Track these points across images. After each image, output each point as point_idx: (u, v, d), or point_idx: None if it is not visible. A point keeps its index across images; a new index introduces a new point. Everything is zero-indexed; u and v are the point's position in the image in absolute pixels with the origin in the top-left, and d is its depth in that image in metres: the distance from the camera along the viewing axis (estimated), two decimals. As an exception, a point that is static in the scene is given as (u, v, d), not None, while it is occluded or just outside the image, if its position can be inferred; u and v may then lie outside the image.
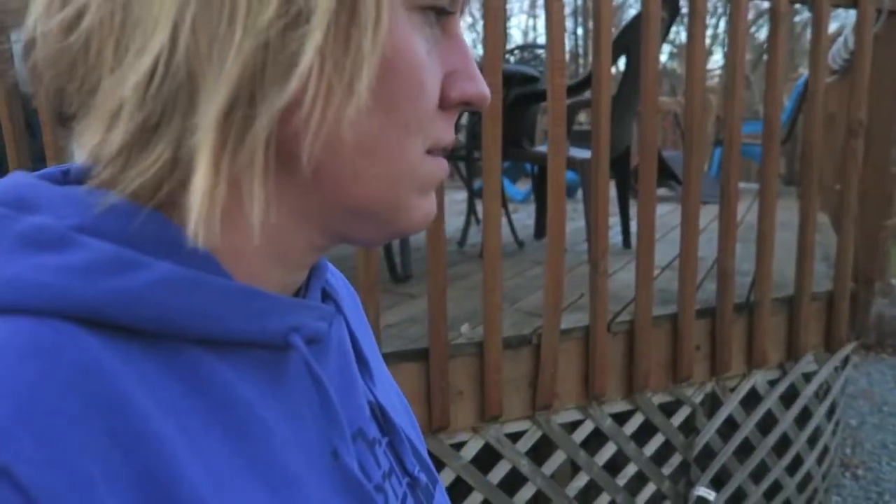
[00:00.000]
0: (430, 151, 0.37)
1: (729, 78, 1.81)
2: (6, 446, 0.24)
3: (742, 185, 3.18)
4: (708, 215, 2.40)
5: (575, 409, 1.76)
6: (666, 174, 4.60)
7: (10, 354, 0.25)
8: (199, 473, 0.29)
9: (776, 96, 1.86)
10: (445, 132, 0.38)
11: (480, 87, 0.38)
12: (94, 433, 0.26)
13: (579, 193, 4.94)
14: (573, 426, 1.78)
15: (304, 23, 0.29)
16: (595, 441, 1.81)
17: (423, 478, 0.47)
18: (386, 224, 0.37)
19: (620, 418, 1.84)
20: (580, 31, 15.96)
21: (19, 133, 1.40)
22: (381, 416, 0.45)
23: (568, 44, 15.87)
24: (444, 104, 0.37)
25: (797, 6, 2.05)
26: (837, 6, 1.91)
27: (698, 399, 1.95)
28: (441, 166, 0.39)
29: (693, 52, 1.72)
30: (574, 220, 3.66)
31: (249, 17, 0.29)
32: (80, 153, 0.32)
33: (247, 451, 0.32)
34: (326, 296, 0.44)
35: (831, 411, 2.28)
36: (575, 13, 15.77)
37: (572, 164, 2.14)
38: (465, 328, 1.68)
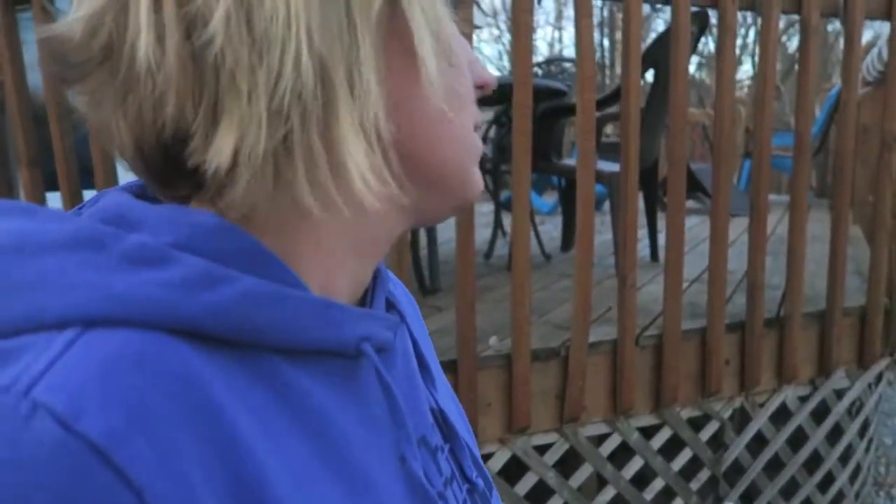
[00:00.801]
0: (475, 128, 0.42)
1: (759, 89, 1.80)
2: (122, 448, 0.26)
3: (772, 197, 3.16)
4: (737, 228, 2.38)
5: (602, 423, 1.76)
6: (694, 186, 4.57)
7: (121, 365, 0.28)
8: (283, 476, 0.31)
9: (807, 108, 1.85)
10: (478, 113, 0.42)
11: (492, 75, 0.43)
12: (195, 439, 0.28)
13: (606, 206, 4.93)
14: (600, 439, 1.78)
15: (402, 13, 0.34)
16: (622, 454, 1.80)
17: (480, 483, 0.48)
18: (455, 193, 0.42)
19: (648, 432, 1.83)
20: (606, 42, 15.91)
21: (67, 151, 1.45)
22: (442, 423, 0.47)
23: (594, 55, 15.80)
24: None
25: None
26: (871, 18, 1.89)
27: (727, 414, 1.93)
28: (480, 143, 0.43)
29: (722, 67, 1.72)
30: (601, 234, 3.65)
31: (362, 10, 0.33)
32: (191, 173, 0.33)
33: (326, 454, 0.34)
34: (390, 305, 0.46)
35: (864, 429, 2.24)
36: (602, 24, 15.74)
37: (600, 176, 2.14)
38: (493, 340, 1.69)
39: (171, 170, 0.34)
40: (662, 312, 1.78)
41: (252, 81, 0.30)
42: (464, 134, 0.40)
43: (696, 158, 6.95)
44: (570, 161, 3.02)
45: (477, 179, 0.42)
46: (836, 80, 6.04)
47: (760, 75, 1.79)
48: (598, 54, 15.94)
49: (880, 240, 2.02)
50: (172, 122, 0.32)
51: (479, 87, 0.43)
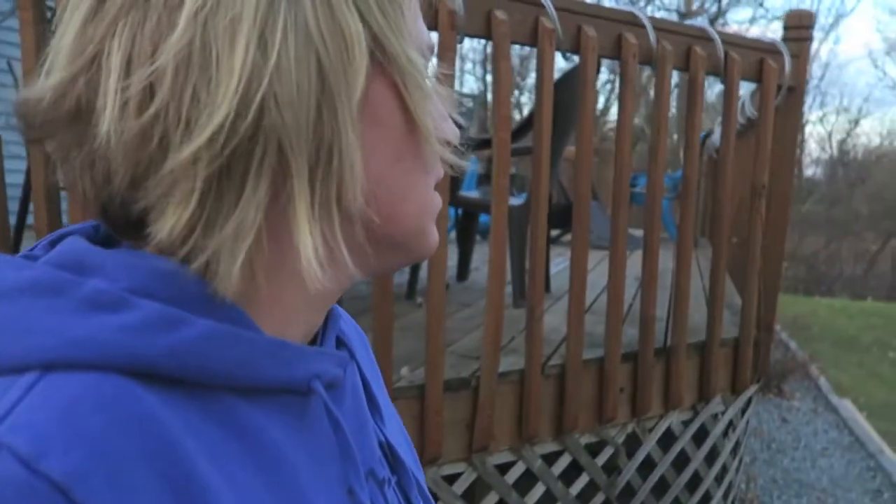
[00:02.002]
0: (435, 186, 0.44)
1: (653, 136, 1.95)
2: (83, 486, 0.27)
3: (636, 231, 3.39)
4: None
5: (508, 451, 1.81)
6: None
7: (81, 407, 0.29)
8: None
9: (693, 157, 2.03)
10: (440, 169, 0.44)
11: (455, 131, 0.44)
12: (151, 476, 0.29)
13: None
14: (506, 467, 1.82)
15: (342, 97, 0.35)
16: (526, 481, 1.86)
17: None
18: (411, 251, 0.43)
19: (549, 459, 1.90)
20: (489, 77, 16.55)
21: None
22: (390, 455, 0.48)
23: (477, 89, 16.36)
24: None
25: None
26: (745, 79, 2.11)
27: (620, 439, 2.04)
28: (440, 198, 0.45)
29: (623, 113, 1.86)
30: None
31: (341, 92, 0.34)
32: (154, 231, 0.33)
33: (278, 488, 0.36)
34: (340, 343, 0.48)
35: (736, 449, 2.44)
36: (485, 61, 16.34)
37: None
38: (405, 371, 1.70)
39: (133, 228, 0.35)
40: (564, 341, 1.86)
41: (197, 158, 0.31)
42: (426, 197, 0.42)
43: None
44: (468, 193, 3.10)
45: (433, 235, 0.44)
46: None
47: (654, 123, 1.95)
48: (480, 87, 16.50)
49: (751, 277, 2.23)
50: (129, 191, 0.33)
51: (447, 142, 0.44)
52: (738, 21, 15.93)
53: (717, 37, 1.98)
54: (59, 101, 0.33)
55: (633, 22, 1.82)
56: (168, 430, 0.31)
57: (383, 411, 0.51)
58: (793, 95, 2.24)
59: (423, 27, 0.41)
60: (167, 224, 0.32)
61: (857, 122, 20.34)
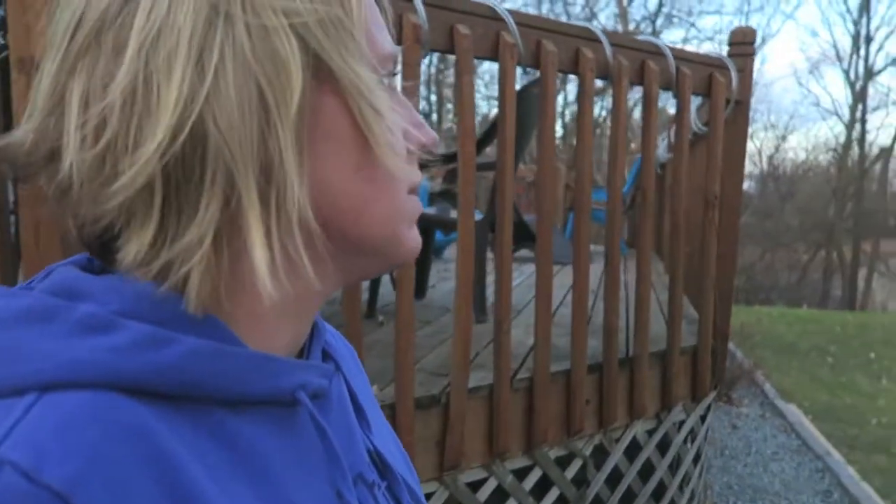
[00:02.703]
0: (411, 191, 0.45)
1: (611, 149, 1.99)
2: (81, 492, 0.29)
3: (592, 247, 3.45)
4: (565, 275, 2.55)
5: (479, 468, 1.78)
6: (528, 237, 4.87)
7: (77, 422, 0.31)
8: None
9: (650, 169, 2.07)
10: (415, 174, 0.45)
11: (432, 134, 0.45)
12: (148, 481, 0.32)
13: (447, 253, 5.08)
14: (477, 485, 1.80)
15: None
16: (497, 498, 1.84)
17: None
18: (387, 256, 0.44)
19: (520, 474, 1.88)
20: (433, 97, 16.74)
21: None
22: (379, 462, 0.50)
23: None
24: (409, 151, 0.44)
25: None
26: (696, 93, 2.18)
27: (588, 451, 2.04)
28: (418, 202, 0.46)
29: (582, 128, 1.88)
30: (447, 280, 3.76)
31: (280, 106, 0.35)
32: (124, 256, 0.36)
33: (267, 495, 0.38)
34: (326, 355, 0.50)
35: (697, 456, 2.48)
36: (428, 81, 16.51)
37: (454, 225, 2.22)
38: (374, 390, 1.66)
39: (110, 255, 0.37)
40: (534, 355, 1.86)
41: (146, 182, 0.34)
42: (395, 203, 0.43)
43: (523, 211, 7.43)
44: (426, 209, 3.09)
45: (410, 240, 0.44)
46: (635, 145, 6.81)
47: (613, 137, 1.98)
48: (424, 105, 16.64)
49: (707, 286, 2.28)
50: (94, 222, 0.36)
51: (421, 149, 0.45)
52: (672, 41, 16.60)
53: (668, 52, 2.03)
54: (38, 143, 0.36)
55: (589, 37, 1.85)
56: (161, 440, 0.33)
57: (372, 421, 0.52)
58: (739, 109, 2.32)
59: (384, 39, 0.42)
60: (132, 248, 0.35)
61: (784, 138, 21.27)
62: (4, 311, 0.35)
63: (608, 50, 1.86)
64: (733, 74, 2.22)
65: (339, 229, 0.40)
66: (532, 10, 16.76)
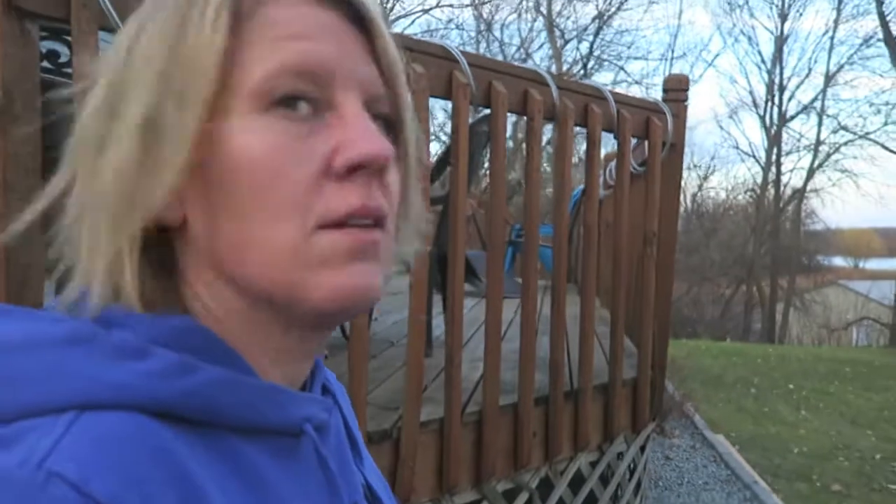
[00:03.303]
0: (326, 226, 0.39)
1: (556, 188, 2.06)
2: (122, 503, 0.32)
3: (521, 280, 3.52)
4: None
5: (429, 503, 1.78)
6: (469, 271, 4.91)
7: (114, 441, 0.33)
8: None
9: (594, 206, 2.15)
10: (337, 203, 0.39)
11: (361, 148, 0.39)
12: (174, 498, 0.34)
13: (395, 284, 5.05)
14: (426, 520, 1.79)
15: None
16: (446, 534, 1.83)
17: None
18: (291, 307, 0.40)
19: (469, 509, 1.88)
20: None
21: None
22: (369, 494, 0.53)
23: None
24: (333, 175, 0.39)
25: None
26: (634, 136, 2.28)
27: (535, 484, 2.06)
28: (345, 238, 0.39)
29: (530, 166, 1.95)
30: (388, 313, 3.75)
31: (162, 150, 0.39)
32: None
33: None
34: (325, 391, 0.53)
35: (637, 487, 2.53)
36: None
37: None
38: (324, 425, 1.64)
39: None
40: (483, 389, 1.88)
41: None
42: (287, 243, 0.39)
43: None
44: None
45: (321, 286, 0.39)
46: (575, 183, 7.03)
47: (557, 175, 2.05)
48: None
49: (646, 320, 2.36)
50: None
51: (350, 168, 0.39)
52: (603, 83, 17.23)
53: (610, 96, 2.13)
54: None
55: (537, 80, 1.92)
56: (182, 460, 0.35)
57: (363, 454, 0.56)
58: (674, 151, 2.44)
59: (278, 52, 0.39)
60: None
61: (706, 178, 22.34)
62: (50, 333, 0.37)
63: (555, 92, 1.93)
64: (669, 119, 2.34)
65: (245, 285, 0.40)
66: (470, 49, 17.17)
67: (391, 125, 0.45)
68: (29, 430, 0.33)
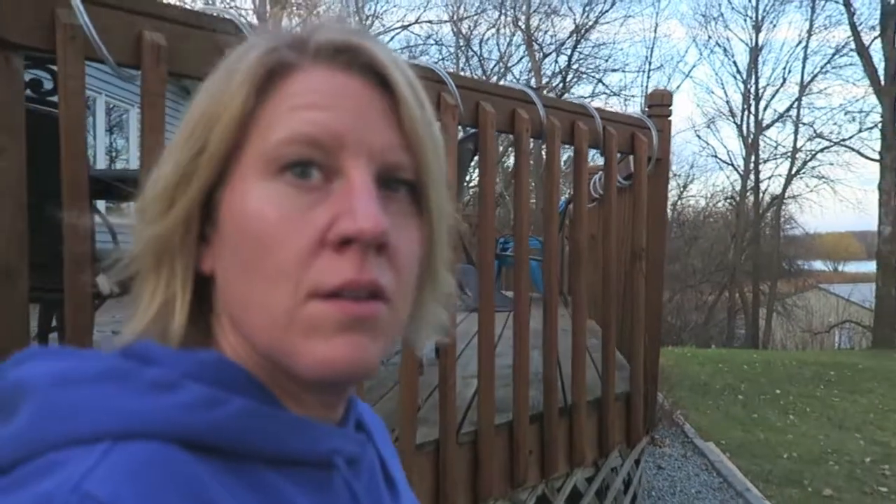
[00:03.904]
0: (317, 295, 0.39)
1: (546, 202, 2.06)
2: None
3: (510, 293, 3.52)
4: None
5: (427, 526, 1.76)
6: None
7: (146, 468, 0.35)
8: None
9: (583, 220, 2.16)
10: (329, 274, 0.39)
11: (359, 223, 0.39)
12: None
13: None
14: (425, 544, 1.77)
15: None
16: (444, 556, 1.81)
17: None
18: (287, 368, 0.41)
19: (466, 530, 1.86)
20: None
21: None
22: None
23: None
24: (329, 245, 0.40)
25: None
26: (621, 151, 2.30)
27: (532, 501, 2.05)
28: (334, 309, 0.39)
29: (519, 184, 1.95)
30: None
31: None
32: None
33: None
34: (360, 427, 0.54)
35: (633, 501, 2.53)
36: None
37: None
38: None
39: None
40: (478, 408, 1.87)
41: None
42: (279, 309, 0.40)
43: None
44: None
45: (308, 354, 0.40)
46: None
47: (547, 190, 2.06)
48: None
49: (637, 333, 2.37)
50: None
51: (341, 241, 0.39)
52: (581, 95, 17.46)
53: (595, 113, 2.15)
54: None
55: (524, 99, 1.94)
56: (211, 490, 0.37)
57: (401, 491, 0.56)
58: (660, 165, 2.46)
59: (292, 121, 0.41)
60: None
61: (686, 187, 22.58)
62: (89, 370, 0.39)
63: (541, 111, 1.95)
64: (654, 134, 2.36)
65: (248, 338, 0.44)
66: (449, 64, 17.27)
67: (415, 191, 0.45)
68: (67, 459, 0.35)
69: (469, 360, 2.39)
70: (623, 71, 24.84)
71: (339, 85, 0.42)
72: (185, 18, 1.23)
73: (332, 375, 0.40)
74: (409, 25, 17.12)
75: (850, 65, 18.94)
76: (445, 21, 18.22)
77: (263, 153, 0.41)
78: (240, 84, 0.42)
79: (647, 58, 22.71)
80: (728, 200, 22.64)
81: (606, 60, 18.15)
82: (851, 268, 31.90)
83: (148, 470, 0.35)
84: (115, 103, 7.28)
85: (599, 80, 18.16)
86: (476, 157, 2.81)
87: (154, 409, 0.38)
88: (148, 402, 0.38)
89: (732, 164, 22.29)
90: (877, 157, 15.97)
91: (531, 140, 2.01)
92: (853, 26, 16.48)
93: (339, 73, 0.43)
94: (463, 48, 17.96)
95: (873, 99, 16.40)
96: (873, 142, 17.42)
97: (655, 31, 25.93)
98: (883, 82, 15.40)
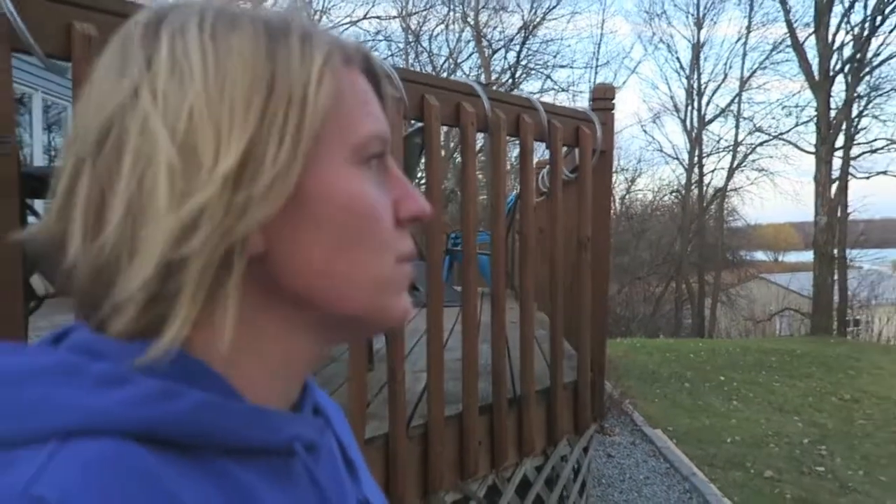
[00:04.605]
0: (402, 260, 0.47)
1: (492, 196, 2.08)
2: None
3: (458, 287, 3.55)
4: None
5: (378, 520, 1.76)
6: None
7: (96, 466, 0.35)
8: None
9: (529, 214, 2.18)
10: (406, 244, 0.48)
11: (422, 204, 0.49)
12: None
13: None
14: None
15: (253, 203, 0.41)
16: (396, 550, 1.81)
17: None
18: (372, 324, 0.47)
19: (418, 522, 1.87)
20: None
21: None
22: None
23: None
24: (398, 223, 0.48)
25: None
26: (566, 144, 2.34)
27: (482, 492, 2.07)
28: (408, 271, 0.48)
29: (466, 179, 1.96)
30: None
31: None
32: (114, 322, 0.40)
33: None
34: (317, 411, 0.54)
35: (582, 488, 2.58)
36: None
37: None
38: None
39: (99, 319, 0.43)
40: (427, 402, 1.87)
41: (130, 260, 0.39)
42: (381, 276, 0.46)
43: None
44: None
45: (397, 309, 0.47)
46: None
47: (494, 185, 2.07)
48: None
49: (584, 323, 2.41)
50: (90, 299, 0.41)
51: (411, 219, 0.48)
52: (531, 91, 17.64)
53: (540, 107, 2.17)
54: (53, 232, 0.41)
55: (469, 92, 1.95)
56: (169, 484, 0.36)
57: (361, 475, 0.56)
58: (604, 158, 2.51)
59: (369, 120, 0.46)
60: (125, 321, 0.39)
61: (633, 181, 23.05)
62: (35, 366, 0.38)
63: (487, 104, 1.96)
64: (598, 127, 2.40)
65: (324, 305, 0.44)
66: (399, 60, 17.21)
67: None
68: (14, 461, 0.34)
69: (420, 356, 2.40)
70: (571, 67, 25.19)
71: (371, 91, 0.48)
72: (116, 8, 1.19)
73: (403, 323, 0.48)
74: (358, 21, 16.98)
75: (787, 61, 19.75)
76: (394, 17, 18.15)
77: (351, 144, 0.44)
78: (322, 71, 0.42)
79: (594, 54, 23.10)
80: (674, 194, 23.24)
81: (555, 56, 18.39)
82: (791, 257, 33.12)
83: (99, 467, 0.35)
84: (52, 100, 7.01)
85: (548, 76, 18.37)
86: (424, 152, 2.81)
87: (104, 404, 0.37)
88: (97, 397, 0.37)
89: (677, 158, 22.89)
90: (812, 150, 16.62)
91: (479, 134, 2.02)
92: (789, 23, 17.09)
93: (364, 78, 0.48)
94: (412, 44, 17.92)
95: (808, 94, 17.03)
96: (809, 135, 18.17)
97: (602, 27, 26.38)
98: (817, 77, 16.01)
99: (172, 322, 0.39)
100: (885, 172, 16.91)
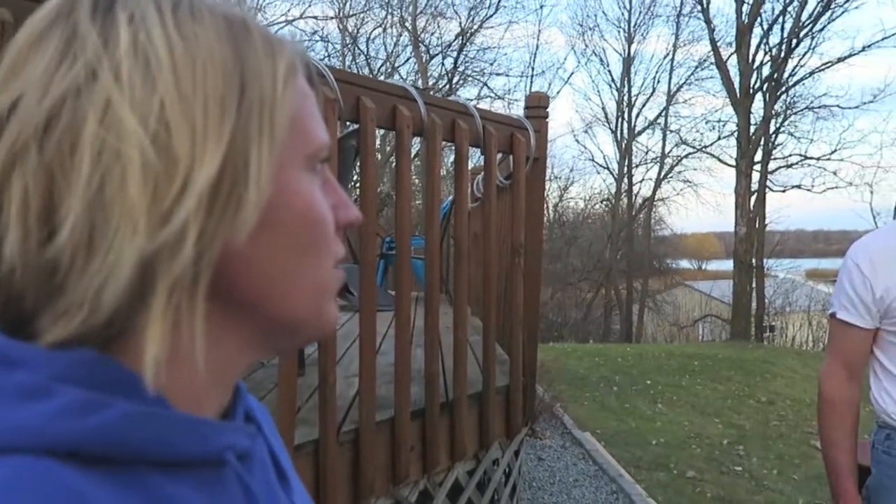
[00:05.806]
0: (334, 265, 0.47)
1: (426, 199, 2.08)
2: None
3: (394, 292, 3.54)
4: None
5: (306, 528, 1.72)
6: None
7: (14, 486, 0.32)
8: None
9: (463, 219, 2.19)
10: (341, 248, 0.48)
11: (355, 212, 0.49)
12: None
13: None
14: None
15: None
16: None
17: None
18: (309, 331, 0.46)
19: (348, 530, 1.85)
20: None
21: None
22: None
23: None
24: (336, 228, 0.48)
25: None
26: (501, 151, 2.36)
27: (414, 498, 2.06)
28: (341, 274, 0.48)
29: (400, 181, 1.95)
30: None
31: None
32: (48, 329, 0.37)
33: None
34: (248, 418, 0.52)
35: (513, 492, 2.60)
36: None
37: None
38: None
39: (23, 324, 0.39)
40: (359, 407, 1.85)
41: (87, 266, 0.36)
42: (320, 279, 0.45)
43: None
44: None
45: (330, 313, 0.47)
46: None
47: (428, 189, 2.07)
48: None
49: (516, 327, 2.44)
50: (18, 302, 0.37)
51: (348, 225, 0.49)
52: (468, 98, 17.76)
53: (476, 113, 2.19)
54: None
55: (405, 96, 1.94)
56: (92, 501, 0.34)
57: (292, 483, 0.55)
58: (537, 165, 2.55)
59: (319, 130, 0.46)
60: (55, 325, 0.36)
61: (566, 189, 23.56)
62: None
63: (423, 109, 1.96)
64: (531, 134, 2.44)
65: (268, 311, 0.43)
66: (336, 62, 17.05)
67: None
68: None
69: (352, 361, 2.37)
70: (507, 75, 25.58)
71: (314, 95, 0.47)
72: (34, -6, 1.13)
73: (333, 331, 0.48)
74: (294, 20, 16.73)
75: (711, 77, 20.47)
76: (331, 17, 17.97)
77: (307, 151, 0.44)
78: (287, 74, 0.42)
79: (529, 63, 23.49)
80: (604, 202, 23.87)
81: (491, 64, 18.56)
82: (713, 266, 34.50)
83: (18, 488, 0.32)
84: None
85: (484, 84, 18.55)
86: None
87: (23, 419, 0.34)
88: (17, 411, 0.35)
89: (608, 168, 23.50)
90: (733, 163, 17.36)
91: (415, 138, 2.02)
92: (713, 42, 17.81)
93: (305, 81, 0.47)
94: (349, 46, 17.79)
95: (730, 109, 17.79)
96: (730, 149, 18.92)
97: (538, 37, 26.86)
98: (738, 94, 16.77)
99: (149, 336, 0.37)
100: (798, 186, 17.79)
